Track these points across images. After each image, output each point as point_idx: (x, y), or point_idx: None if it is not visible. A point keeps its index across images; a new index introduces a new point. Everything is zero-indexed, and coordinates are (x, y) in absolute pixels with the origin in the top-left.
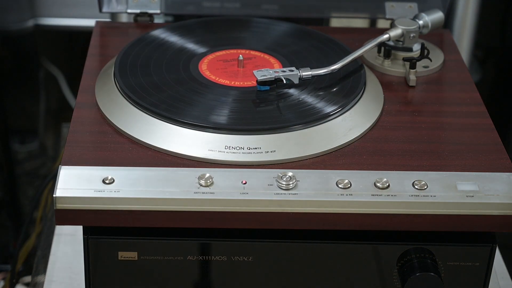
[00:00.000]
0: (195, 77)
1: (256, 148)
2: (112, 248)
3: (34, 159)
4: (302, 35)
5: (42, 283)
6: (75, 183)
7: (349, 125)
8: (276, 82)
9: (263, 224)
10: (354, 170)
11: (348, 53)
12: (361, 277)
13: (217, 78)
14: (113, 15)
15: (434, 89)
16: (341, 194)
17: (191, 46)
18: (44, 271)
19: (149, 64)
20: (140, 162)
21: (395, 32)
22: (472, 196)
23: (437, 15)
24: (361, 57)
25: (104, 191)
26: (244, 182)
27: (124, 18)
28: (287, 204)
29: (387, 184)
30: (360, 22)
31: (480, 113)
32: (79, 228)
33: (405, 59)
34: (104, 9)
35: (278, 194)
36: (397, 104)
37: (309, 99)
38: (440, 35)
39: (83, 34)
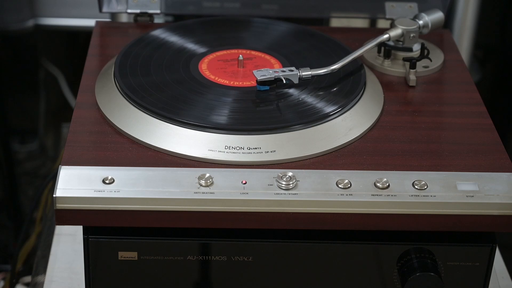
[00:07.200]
0: (195, 77)
1: (256, 148)
2: (112, 248)
3: (34, 159)
4: (302, 35)
5: (42, 283)
6: (75, 183)
7: (349, 125)
8: (276, 82)
9: (263, 224)
10: (354, 170)
11: (348, 53)
12: (361, 277)
13: (217, 78)
14: (113, 15)
15: (434, 89)
16: (341, 194)
17: (191, 46)
18: (44, 271)
19: (149, 64)
20: (140, 162)
21: (395, 32)
22: (472, 196)
23: (437, 15)
24: (361, 57)
25: (104, 191)
26: (244, 182)
27: (124, 18)
28: (287, 204)
29: (387, 184)
30: (360, 22)
31: (480, 113)
32: (79, 228)
33: (405, 59)
34: (104, 9)
35: (278, 194)
36: (397, 104)
37: (309, 99)
38: (440, 35)
39: (83, 34)
